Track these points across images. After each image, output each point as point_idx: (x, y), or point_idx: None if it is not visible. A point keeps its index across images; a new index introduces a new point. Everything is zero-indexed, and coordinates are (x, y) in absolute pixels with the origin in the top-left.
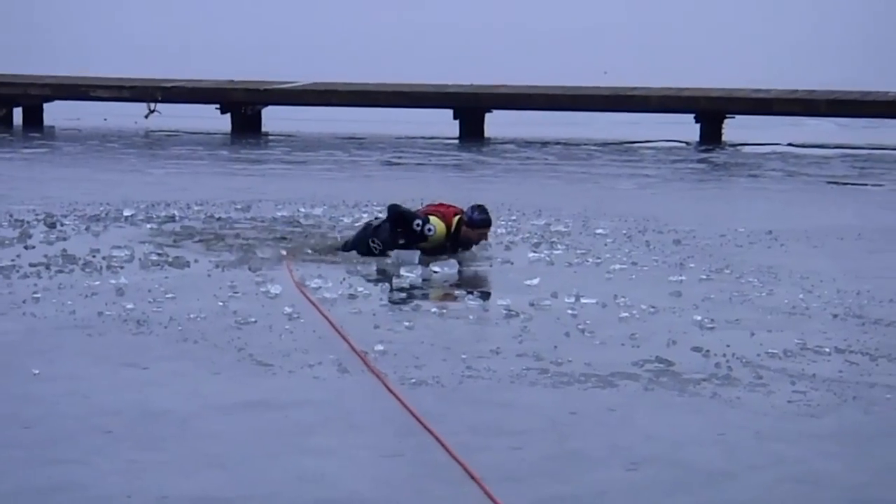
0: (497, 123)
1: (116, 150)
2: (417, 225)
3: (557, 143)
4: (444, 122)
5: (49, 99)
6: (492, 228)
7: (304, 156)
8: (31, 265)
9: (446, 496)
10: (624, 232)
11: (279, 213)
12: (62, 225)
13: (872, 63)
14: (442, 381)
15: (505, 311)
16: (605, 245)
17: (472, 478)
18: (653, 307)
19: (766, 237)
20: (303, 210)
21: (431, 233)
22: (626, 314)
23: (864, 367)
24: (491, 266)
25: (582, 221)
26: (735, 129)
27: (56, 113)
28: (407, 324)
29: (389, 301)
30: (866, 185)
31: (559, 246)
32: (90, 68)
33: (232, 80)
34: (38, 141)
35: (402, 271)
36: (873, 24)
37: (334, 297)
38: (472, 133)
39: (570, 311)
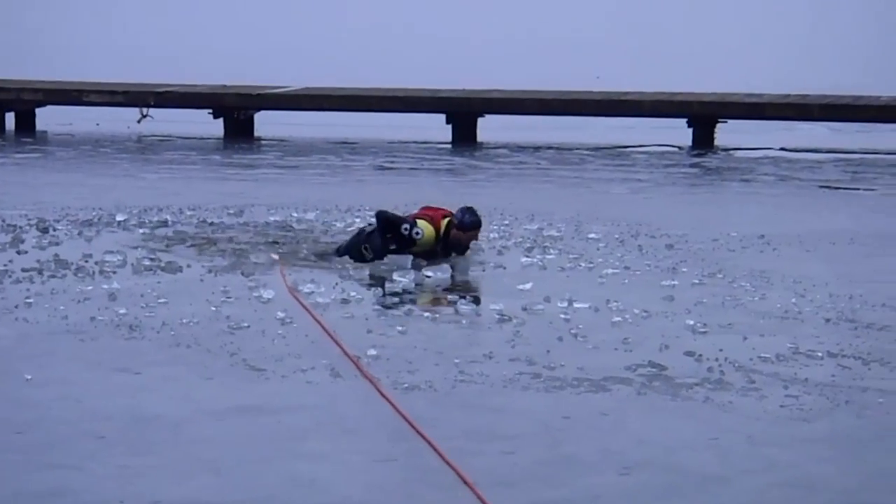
0: (490, 128)
1: (109, 154)
2: (405, 229)
3: (550, 148)
4: (436, 127)
5: (42, 104)
6: (485, 233)
7: (297, 160)
8: (23, 270)
9: (439, 501)
10: (616, 236)
11: (272, 218)
12: (55, 230)
13: (865, 67)
14: (435, 385)
15: (498, 316)
16: (598, 249)
17: (465, 483)
18: (645, 311)
19: (758, 241)
20: (295, 215)
21: (419, 236)
22: (619, 318)
23: (857, 371)
24: (484, 270)
25: (574, 226)
26: (728, 133)
27: (49, 118)
28: (400, 328)
29: (382, 306)
30: (859, 189)
31: (552, 250)
32: (83, 73)
33: (224, 85)
34: (31, 146)
35: (395, 276)
36: (866, 29)
37: (327, 301)
38: (464, 137)
39: (562, 316)
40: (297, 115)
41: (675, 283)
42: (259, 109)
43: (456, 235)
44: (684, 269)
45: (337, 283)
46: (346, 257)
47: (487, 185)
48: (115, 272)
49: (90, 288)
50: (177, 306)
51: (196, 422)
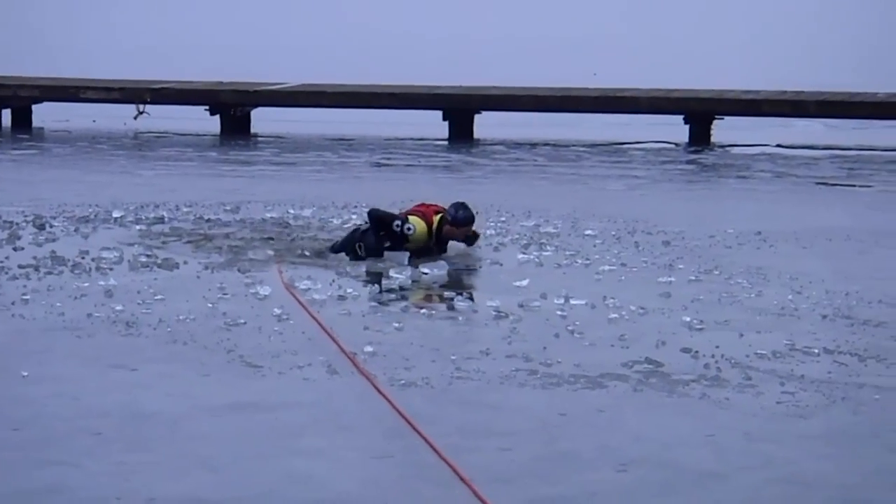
0: (486, 125)
1: (106, 151)
2: (397, 226)
3: (547, 145)
4: (433, 124)
5: (38, 100)
6: (481, 229)
7: (294, 157)
8: (20, 267)
9: (435, 497)
10: (613, 233)
11: (268, 215)
12: (51, 226)
13: (861, 64)
14: (431, 382)
15: (494, 313)
16: (595, 246)
17: (462, 479)
18: (642, 308)
19: (755, 238)
20: (292, 211)
21: (411, 231)
22: (616, 315)
23: (853, 367)
24: (480, 267)
25: (571, 223)
26: (724, 130)
27: (45, 114)
28: (396, 325)
29: (379, 302)
30: (855, 186)
31: (548, 247)
32: (79, 70)
33: (221, 82)
34: (28, 142)
35: (392, 272)
36: (862, 26)
37: (323, 298)
38: (461, 134)
39: (559, 313)
40: (294, 111)
41: (672, 279)
42: (256, 106)
43: (449, 231)
44: (681, 266)
45: (333, 280)
46: (342, 254)
47: (484, 182)
48: (111, 269)
49: (87, 284)
50: (173, 303)
51: (193, 418)
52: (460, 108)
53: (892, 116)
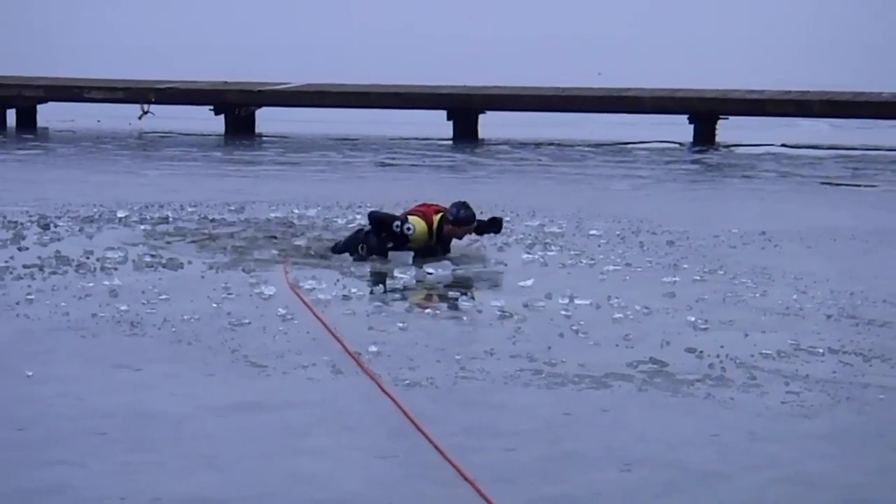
0: (490, 124)
1: (110, 151)
2: (397, 226)
3: (551, 144)
4: (437, 123)
5: (43, 100)
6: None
7: (298, 157)
8: (24, 267)
9: (440, 497)
10: (617, 233)
11: (273, 215)
12: (56, 226)
13: (866, 64)
14: (436, 382)
15: (499, 312)
16: (599, 246)
17: (466, 479)
18: (646, 308)
19: (759, 238)
20: (297, 211)
21: (411, 231)
22: (620, 315)
23: (858, 367)
24: (485, 267)
25: (576, 222)
26: (729, 129)
27: (50, 114)
28: (401, 325)
29: (383, 302)
30: (860, 185)
31: (553, 247)
32: (84, 70)
33: (226, 82)
34: (32, 142)
35: (396, 273)
36: (866, 26)
37: (328, 298)
38: (465, 134)
39: (563, 312)
40: (299, 111)
41: (677, 279)
42: (260, 106)
43: (450, 230)
44: (685, 266)
45: (338, 280)
46: (346, 254)
47: (488, 182)
48: (116, 269)
49: (91, 284)
50: (178, 303)
51: (197, 418)
52: (464, 108)
53: None
